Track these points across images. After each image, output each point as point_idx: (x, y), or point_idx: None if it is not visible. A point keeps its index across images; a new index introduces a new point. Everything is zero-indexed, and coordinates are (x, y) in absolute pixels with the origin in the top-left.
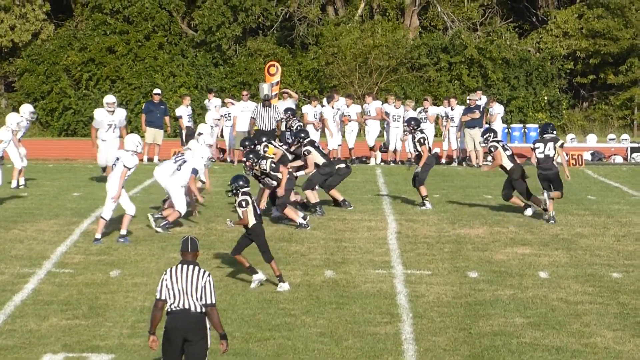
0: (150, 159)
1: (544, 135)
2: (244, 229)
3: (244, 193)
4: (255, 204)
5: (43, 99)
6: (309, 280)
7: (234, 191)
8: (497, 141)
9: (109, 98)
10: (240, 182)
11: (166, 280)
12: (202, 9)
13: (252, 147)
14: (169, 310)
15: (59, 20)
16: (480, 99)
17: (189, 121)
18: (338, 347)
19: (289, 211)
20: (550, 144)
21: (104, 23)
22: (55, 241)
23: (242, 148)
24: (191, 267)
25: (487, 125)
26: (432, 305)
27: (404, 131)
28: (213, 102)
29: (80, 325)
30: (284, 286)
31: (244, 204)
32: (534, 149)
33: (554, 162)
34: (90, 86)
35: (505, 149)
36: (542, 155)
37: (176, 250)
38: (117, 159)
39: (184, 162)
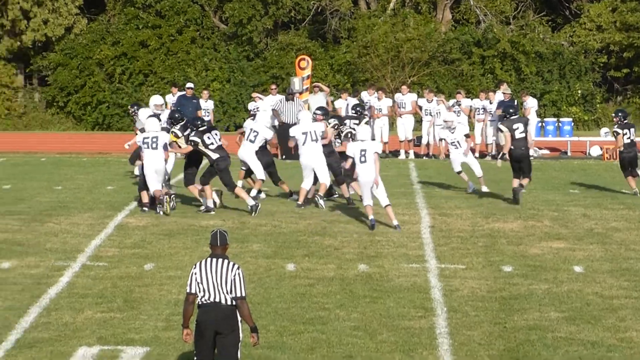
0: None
1: (626, 121)
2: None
3: None
4: None
5: (76, 93)
6: (343, 274)
7: None
8: None
9: (157, 99)
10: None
11: (196, 274)
12: (233, 2)
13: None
14: (200, 303)
15: (92, 14)
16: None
17: (206, 115)
18: (372, 341)
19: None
20: (632, 129)
21: (136, 17)
22: (89, 234)
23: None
24: (220, 260)
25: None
26: (467, 299)
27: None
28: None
29: (115, 318)
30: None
31: None
32: (619, 135)
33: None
34: (124, 80)
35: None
36: (628, 140)
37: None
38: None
39: (257, 134)
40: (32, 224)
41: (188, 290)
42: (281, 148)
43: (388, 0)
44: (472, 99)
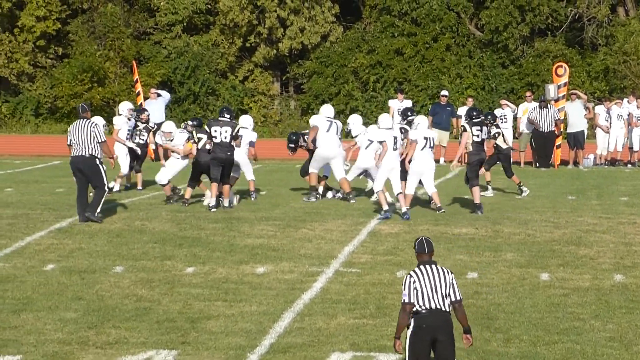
0: (437, 160)
1: None
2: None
3: None
4: None
5: (331, 101)
6: (598, 284)
7: None
8: None
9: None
10: None
11: (415, 282)
12: (490, 9)
13: None
14: (416, 310)
15: (348, 22)
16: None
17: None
18: (628, 352)
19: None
20: None
21: (392, 25)
22: (342, 241)
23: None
24: (433, 266)
25: None
26: None
27: None
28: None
29: (367, 324)
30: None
31: None
32: None
33: None
34: (377, 88)
35: None
36: None
37: (466, 252)
38: None
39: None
40: (286, 229)
41: (408, 300)
42: (537, 156)
43: None
44: None
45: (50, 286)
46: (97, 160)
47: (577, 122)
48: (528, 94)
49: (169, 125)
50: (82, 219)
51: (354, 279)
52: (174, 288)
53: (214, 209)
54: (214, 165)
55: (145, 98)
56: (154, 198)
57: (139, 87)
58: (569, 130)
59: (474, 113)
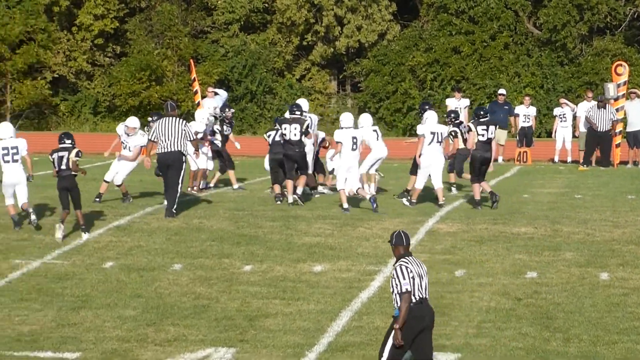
0: (495, 159)
1: None
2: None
3: None
4: None
5: (387, 99)
6: None
7: None
8: None
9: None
10: None
11: (411, 272)
12: (548, 8)
13: None
14: (414, 300)
15: (405, 20)
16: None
17: (524, 121)
18: None
19: None
20: None
21: (449, 23)
22: None
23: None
24: (414, 258)
25: None
26: None
27: None
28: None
29: None
30: None
31: None
32: None
33: None
34: (435, 87)
35: None
36: None
37: (525, 252)
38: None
39: None
40: (344, 228)
41: (410, 289)
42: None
43: None
44: None
45: (109, 284)
46: (183, 157)
47: (637, 121)
48: (589, 93)
49: (134, 121)
50: (169, 214)
51: None
52: (232, 286)
53: (301, 203)
54: (287, 162)
55: (203, 96)
56: (213, 196)
57: (196, 86)
58: (628, 129)
59: (481, 112)
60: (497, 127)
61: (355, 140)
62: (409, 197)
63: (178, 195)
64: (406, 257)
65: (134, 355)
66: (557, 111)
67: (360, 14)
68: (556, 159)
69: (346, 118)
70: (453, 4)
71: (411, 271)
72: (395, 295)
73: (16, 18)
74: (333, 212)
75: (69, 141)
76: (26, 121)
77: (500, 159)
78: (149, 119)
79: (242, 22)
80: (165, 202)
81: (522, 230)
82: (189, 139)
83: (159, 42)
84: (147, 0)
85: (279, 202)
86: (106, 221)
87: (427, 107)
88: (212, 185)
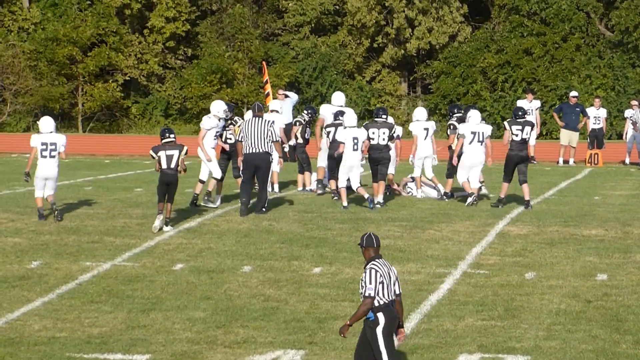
0: (566, 161)
1: None
2: None
3: None
4: None
5: (458, 101)
6: None
7: None
8: None
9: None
10: None
11: (381, 277)
12: (620, 9)
13: None
14: (384, 304)
15: (476, 22)
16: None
17: (594, 123)
18: None
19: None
20: None
21: (520, 25)
22: (470, 242)
23: None
24: (384, 260)
25: None
26: None
27: None
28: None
29: (495, 326)
30: None
31: None
32: None
33: None
34: (506, 88)
35: None
36: None
37: (596, 254)
38: None
39: None
40: (413, 230)
41: (373, 295)
42: None
43: None
44: None
45: (179, 286)
46: (270, 157)
47: None
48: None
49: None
50: (244, 213)
51: (482, 280)
52: (301, 288)
53: (379, 206)
54: (372, 166)
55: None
56: (282, 199)
57: (268, 88)
58: None
59: (519, 113)
60: (532, 128)
61: (356, 140)
62: (471, 196)
63: (268, 195)
64: (376, 260)
65: (203, 357)
66: (628, 113)
67: (432, 15)
68: (627, 161)
69: (349, 117)
70: (525, 6)
71: (381, 275)
72: (361, 296)
73: (88, 21)
74: (402, 214)
75: (172, 135)
76: (97, 123)
77: (571, 161)
78: (235, 118)
79: (312, 25)
80: (240, 204)
81: (592, 232)
82: (273, 140)
83: (230, 45)
84: (218, 3)
85: (335, 199)
86: (177, 223)
87: (455, 109)
88: (310, 188)
